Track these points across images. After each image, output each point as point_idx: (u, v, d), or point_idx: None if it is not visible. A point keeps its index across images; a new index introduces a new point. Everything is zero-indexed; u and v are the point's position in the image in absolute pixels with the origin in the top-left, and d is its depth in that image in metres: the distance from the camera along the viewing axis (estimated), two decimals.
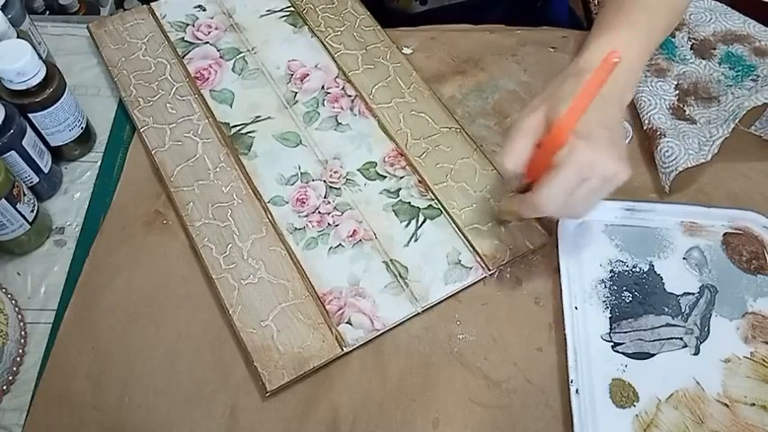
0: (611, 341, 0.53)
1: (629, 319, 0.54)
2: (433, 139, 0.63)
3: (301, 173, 0.61)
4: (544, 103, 0.49)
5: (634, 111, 0.66)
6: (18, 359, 0.52)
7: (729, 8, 0.73)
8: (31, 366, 0.52)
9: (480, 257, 0.56)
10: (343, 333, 0.52)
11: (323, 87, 0.66)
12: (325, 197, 0.59)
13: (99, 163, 0.63)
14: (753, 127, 0.65)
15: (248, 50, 0.69)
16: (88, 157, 0.63)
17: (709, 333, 0.53)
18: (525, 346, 0.54)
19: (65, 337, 0.52)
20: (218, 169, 0.61)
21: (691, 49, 0.70)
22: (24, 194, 0.54)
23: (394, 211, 0.59)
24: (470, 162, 0.61)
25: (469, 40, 0.72)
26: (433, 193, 0.59)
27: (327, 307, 0.53)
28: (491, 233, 0.57)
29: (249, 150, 0.62)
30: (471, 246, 0.57)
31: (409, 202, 0.59)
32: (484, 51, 0.71)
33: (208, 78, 0.67)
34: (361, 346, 0.52)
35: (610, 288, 0.55)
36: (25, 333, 0.53)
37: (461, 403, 0.51)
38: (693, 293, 0.55)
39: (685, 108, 0.65)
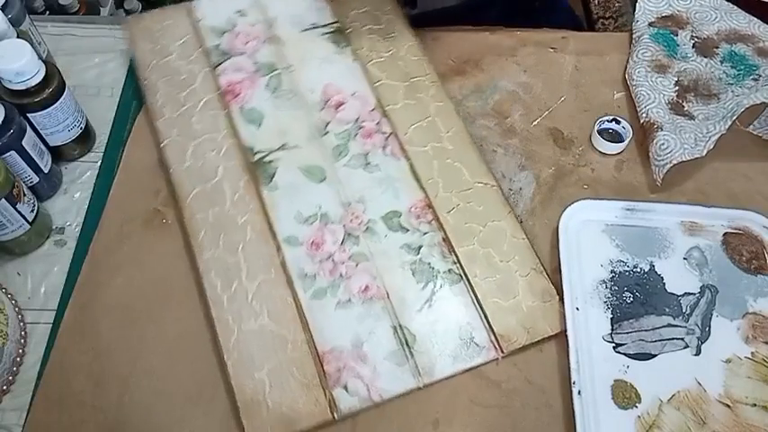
0: (613, 342, 0.53)
1: (631, 320, 0.54)
2: (466, 194, 0.59)
3: (321, 213, 0.57)
4: None
5: (634, 111, 0.66)
6: (18, 359, 0.52)
7: (735, 7, 0.72)
8: (31, 366, 0.52)
9: (495, 337, 0.52)
10: (338, 399, 0.49)
11: (357, 119, 0.63)
12: (341, 244, 0.56)
13: (99, 163, 0.63)
14: (750, 126, 0.65)
15: (285, 68, 0.65)
16: (88, 157, 0.63)
17: (710, 333, 0.53)
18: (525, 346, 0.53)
19: (65, 336, 0.52)
20: (236, 197, 0.57)
21: (693, 47, 0.70)
22: (24, 194, 0.54)
23: (411, 270, 0.55)
24: (501, 226, 0.57)
25: (470, 41, 0.72)
26: (456, 255, 0.56)
27: (325, 367, 0.50)
28: (511, 310, 0.53)
29: (271, 181, 0.59)
30: (488, 322, 0.53)
31: (429, 263, 0.55)
32: (484, 52, 0.71)
33: (239, 94, 0.64)
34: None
35: (611, 288, 0.55)
36: (25, 333, 0.53)
37: (461, 403, 0.51)
38: (694, 293, 0.55)
39: (684, 104, 0.65)
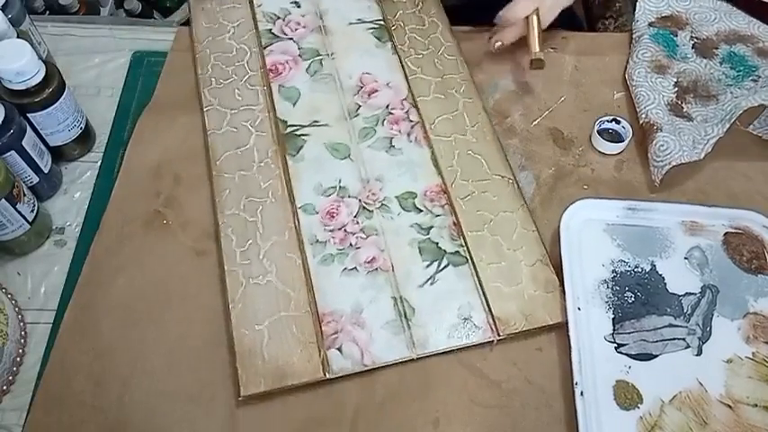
0: (615, 342, 0.53)
1: (632, 320, 0.54)
2: (482, 184, 0.60)
3: (340, 187, 0.60)
4: None
5: (634, 111, 0.66)
6: (18, 359, 0.52)
7: (734, 8, 0.73)
8: (31, 366, 0.52)
9: (493, 319, 0.53)
10: (331, 359, 0.51)
11: (387, 106, 0.66)
12: (355, 216, 0.58)
13: (99, 163, 0.63)
14: (750, 126, 0.65)
15: (327, 54, 0.70)
16: (88, 157, 0.63)
17: (711, 333, 0.53)
18: (525, 346, 0.53)
19: (65, 336, 0.52)
20: (262, 164, 0.61)
21: (692, 48, 0.70)
22: (24, 194, 0.54)
23: (419, 248, 0.57)
24: (513, 217, 0.59)
25: (470, 41, 0.72)
26: (464, 239, 0.57)
27: (324, 327, 0.52)
28: (512, 297, 0.54)
29: (297, 153, 0.62)
30: (487, 304, 0.54)
31: (437, 243, 0.57)
32: (484, 52, 0.71)
33: (281, 73, 0.68)
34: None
35: (612, 288, 0.55)
36: (25, 333, 0.53)
37: (461, 403, 0.51)
38: (695, 293, 0.55)
39: (683, 105, 0.65)
